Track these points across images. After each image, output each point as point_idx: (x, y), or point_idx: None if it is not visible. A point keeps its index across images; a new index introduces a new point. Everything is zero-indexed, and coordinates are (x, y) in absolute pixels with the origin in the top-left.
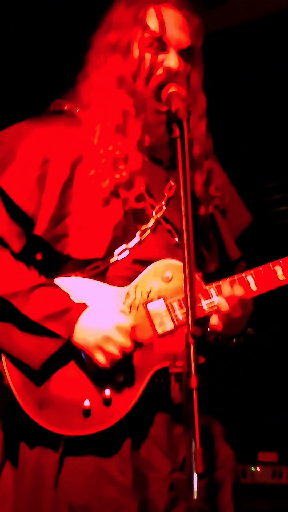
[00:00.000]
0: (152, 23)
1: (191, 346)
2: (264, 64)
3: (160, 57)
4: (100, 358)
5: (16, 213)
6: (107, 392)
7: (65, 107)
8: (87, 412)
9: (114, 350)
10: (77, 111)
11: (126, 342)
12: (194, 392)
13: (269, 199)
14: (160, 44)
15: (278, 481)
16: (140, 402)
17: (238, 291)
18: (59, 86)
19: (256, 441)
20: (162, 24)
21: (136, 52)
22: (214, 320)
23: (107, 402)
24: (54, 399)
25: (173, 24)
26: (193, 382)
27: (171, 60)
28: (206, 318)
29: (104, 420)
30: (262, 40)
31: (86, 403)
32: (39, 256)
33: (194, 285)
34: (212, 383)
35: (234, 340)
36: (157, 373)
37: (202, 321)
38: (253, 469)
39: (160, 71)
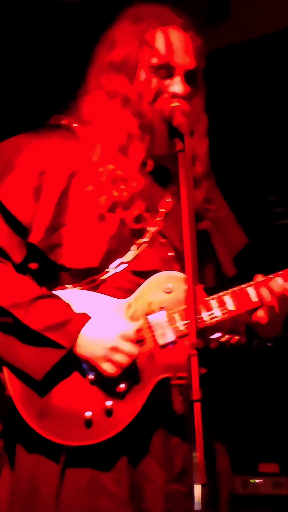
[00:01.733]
0: (160, 47)
1: (194, 358)
2: (266, 81)
3: (166, 82)
4: (108, 368)
5: (14, 224)
6: (109, 402)
7: (63, 122)
8: (88, 423)
9: (122, 359)
10: (75, 125)
11: (133, 349)
12: (197, 404)
13: (271, 212)
14: (167, 69)
15: (279, 492)
16: (141, 413)
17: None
18: (57, 101)
19: (257, 452)
20: (169, 49)
21: (142, 76)
22: (260, 313)
23: (109, 412)
24: (55, 409)
25: (180, 48)
26: (196, 394)
27: (177, 85)
28: (216, 328)
29: (105, 431)
30: (263, 57)
31: (88, 413)
32: (34, 266)
33: (197, 297)
34: (213, 394)
35: (268, 344)
36: (158, 384)
37: (205, 332)
38: (251, 481)
39: (165, 96)
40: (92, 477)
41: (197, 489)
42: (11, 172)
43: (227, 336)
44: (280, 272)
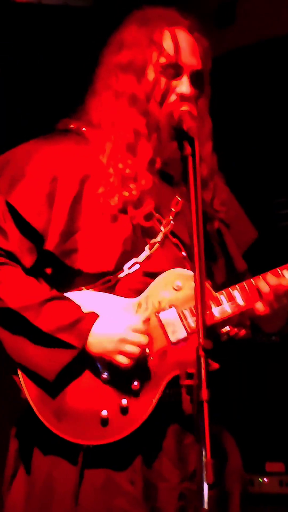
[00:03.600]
0: (168, 46)
1: (202, 359)
2: (274, 84)
3: (174, 83)
4: (121, 359)
5: (27, 229)
6: (124, 401)
7: (72, 126)
8: (104, 422)
9: (132, 349)
10: (84, 129)
11: (142, 339)
12: (205, 404)
13: (277, 213)
14: (175, 69)
15: (286, 491)
16: (153, 413)
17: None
18: (67, 105)
19: (264, 451)
20: (177, 48)
21: (151, 75)
22: (259, 306)
23: (124, 411)
24: (72, 410)
25: (187, 49)
26: (204, 394)
27: (184, 85)
28: (226, 321)
29: (122, 429)
30: (270, 60)
31: (104, 412)
32: (49, 271)
33: (205, 296)
34: (222, 393)
35: (273, 338)
36: (168, 385)
37: (218, 326)
38: (260, 480)
39: (173, 97)
40: (108, 477)
41: (205, 488)
42: (23, 179)
43: (235, 330)
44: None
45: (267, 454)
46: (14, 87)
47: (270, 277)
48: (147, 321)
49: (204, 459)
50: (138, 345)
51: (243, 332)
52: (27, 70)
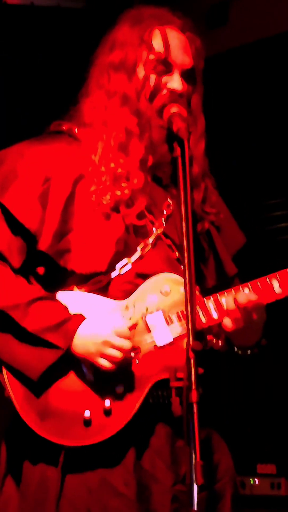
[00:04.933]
0: (158, 44)
1: (192, 361)
2: (265, 84)
3: (164, 78)
4: (103, 362)
5: (19, 230)
6: (107, 402)
7: (64, 127)
8: (87, 423)
9: (114, 352)
10: (76, 130)
11: (125, 344)
12: (195, 406)
13: (269, 215)
14: (165, 65)
15: (277, 493)
16: (141, 413)
17: (242, 298)
18: (60, 105)
19: (255, 453)
20: (167, 46)
21: (141, 73)
22: (226, 321)
23: (107, 412)
24: (55, 410)
25: (177, 46)
26: (194, 396)
27: (175, 82)
28: (210, 329)
29: (104, 430)
30: (262, 60)
31: (87, 413)
32: (41, 271)
33: (195, 299)
34: (211, 395)
35: (249, 352)
36: (158, 386)
37: (203, 333)
38: (251, 481)
39: (164, 92)
40: (102, 478)
41: (195, 490)
42: (16, 180)
43: (214, 341)
44: (276, 274)
45: (258, 456)
46: (6, 87)
47: (238, 294)
48: (133, 327)
49: (193, 461)
50: (121, 349)
51: (220, 344)
52: (20, 71)
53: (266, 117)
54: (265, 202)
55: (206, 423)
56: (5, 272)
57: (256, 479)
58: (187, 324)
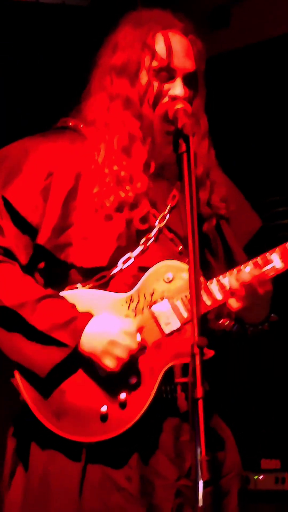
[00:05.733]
0: (161, 49)
1: (197, 356)
2: (267, 86)
3: (167, 86)
4: (108, 362)
5: (23, 225)
6: (123, 395)
7: (70, 124)
8: (104, 417)
9: (121, 353)
10: (81, 126)
11: (132, 344)
12: (200, 401)
13: (271, 212)
14: (167, 72)
15: (281, 488)
16: (149, 409)
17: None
18: (63, 103)
19: (259, 448)
20: (170, 51)
21: (144, 79)
22: (233, 302)
23: (123, 405)
24: (71, 408)
25: (180, 51)
26: (199, 392)
27: (177, 88)
28: (221, 312)
29: (122, 423)
30: (264, 62)
31: (103, 408)
32: (42, 265)
33: (200, 293)
34: (217, 388)
35: (260, 328)
36: (163, 382)
37: (209, 320)
38: (256, 477)
39: (166, 99)
40: (104, 474)
41: (200, 486)
42: (19, 175)
43: (226, 322)
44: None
45: (262, 451)
46: (10, 85)
47: (240, 272)
48: (141, 329)
49: (199, 456)
50: (128, 349)
51: (231, 324)
52: (25, 68)
53: (268, 118)
54: (266, 199)
55: (214, 414)
56: (13, 271)
57: (260, 475)
58: (192, 318)
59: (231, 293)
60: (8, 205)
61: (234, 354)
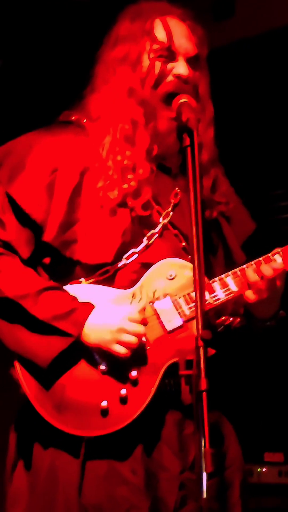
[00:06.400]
0: (160, 33)
1: (201, 349)
2: (272, 76)
3: (170, 65)
4: (119, 349)
5: (26, 221)
6: (123, 390)
7: (73, 118)
8: (105, 412)
9: (130, 338)
10: (85, 121)
11: (140, 329)
12: (204, 394)
13: (274, 206)
14: (169, 53)
15: (285, 481)
16: (153, 402)
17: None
18: (67, 99)
19: (263, 441)
20: (169, 34)
21: (146, 62)
22: (248, 293)
23: (124, 400)
24: (71, 401)
25: (180, 34)
26: (203, 384)
27: (181, 67)
28: (225, 309)
29: (122, 418)
30: (269, 52)
31: (104, 403)
32: (47, 261)
33: (204, 288)
34: (220, 382)
35: (268, 324)
36: (167, 375)
37: (212, 317)
38: (259, 470)
39: (170, 78)
40: (110, 467)
41: (204, 478)
42: (23, 170)
43: (230, 319)
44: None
45: (266, 444)
46: (12, 80)
47: (261, 265)
48: (142, 311)
49: (203, 448)
50: (136, 334)
51: (237, 320)
52: (27, 63)
53: (275, 110)
54: (269, 192)
55: (215, 409)
56: (14, 263)
57: (263, 468)
58: (196, 312)
59: (248, 285)
60: (12, 201)
61: (236, 347)
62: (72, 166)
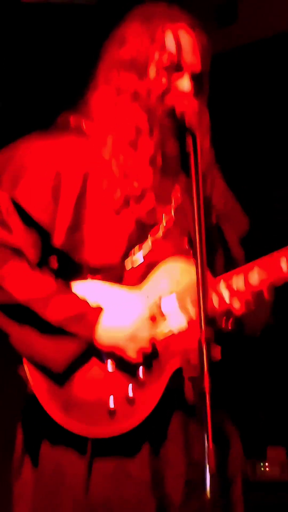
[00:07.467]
0: (170, 45)
1: (204, 349)
2: (274, 81)
3: (174, 80)
4: (133, 354)
5: (32, 225)
6: (131, 392)
7: (72, 119)
8: (112, 413)
9: (144, 343)
10: (84, 124)
11: (152, 333)
12: (207, 394)
13: (276, 206)
14: (176, 67)
15: (287, 477)
16: (161, 401)
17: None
18: (66, 98)
19: (265, 437)
20: (179, 47)
21: (152, 73)
22: (235, 303)
23: (131, 401)
24: (79, 402)
25: (188, 48)
26: (206, 384)
27: (185, 84)
28: (226, 313)
29: (129, 420)
30: (272, 58)
31: (111, 404)
32: (55, 265)
33: (207, 288)
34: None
35: (258, 334)
36: (172, 374)
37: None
38: (262, 464)
39: (173, 93)
40: (117, 465)
41: (208, 477)
42: (26, 175)
43: (223, 324)
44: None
45: (268, 440)
46: (18, 84)
47: (249, 274)
48: (152, 312)
49: (206, 448)
50: (148, 339)
51: (230, 326)
52: (34, 68)
53: (277, 115)
54: (270, 193)
55: (217, 406)
56: (23, 267)
57: (266, 464)
58: (198, 312)
59: (237, 295)
60: (17, 206)
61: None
62: (75, 170)
